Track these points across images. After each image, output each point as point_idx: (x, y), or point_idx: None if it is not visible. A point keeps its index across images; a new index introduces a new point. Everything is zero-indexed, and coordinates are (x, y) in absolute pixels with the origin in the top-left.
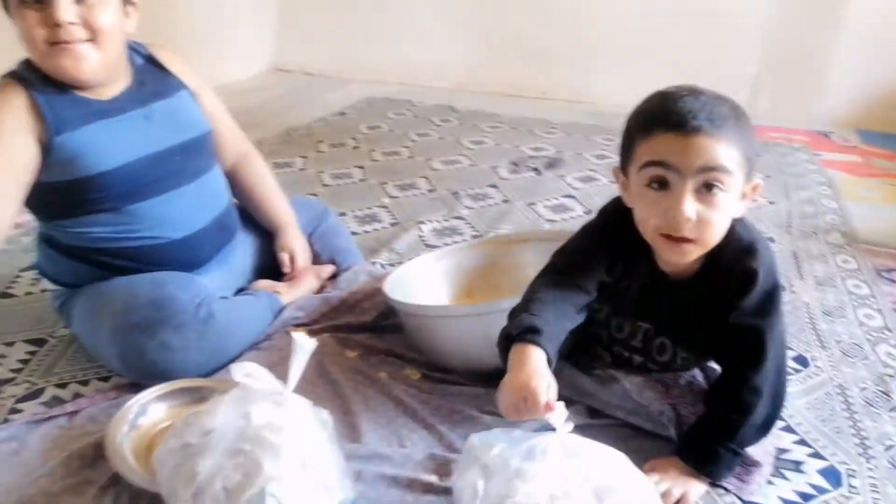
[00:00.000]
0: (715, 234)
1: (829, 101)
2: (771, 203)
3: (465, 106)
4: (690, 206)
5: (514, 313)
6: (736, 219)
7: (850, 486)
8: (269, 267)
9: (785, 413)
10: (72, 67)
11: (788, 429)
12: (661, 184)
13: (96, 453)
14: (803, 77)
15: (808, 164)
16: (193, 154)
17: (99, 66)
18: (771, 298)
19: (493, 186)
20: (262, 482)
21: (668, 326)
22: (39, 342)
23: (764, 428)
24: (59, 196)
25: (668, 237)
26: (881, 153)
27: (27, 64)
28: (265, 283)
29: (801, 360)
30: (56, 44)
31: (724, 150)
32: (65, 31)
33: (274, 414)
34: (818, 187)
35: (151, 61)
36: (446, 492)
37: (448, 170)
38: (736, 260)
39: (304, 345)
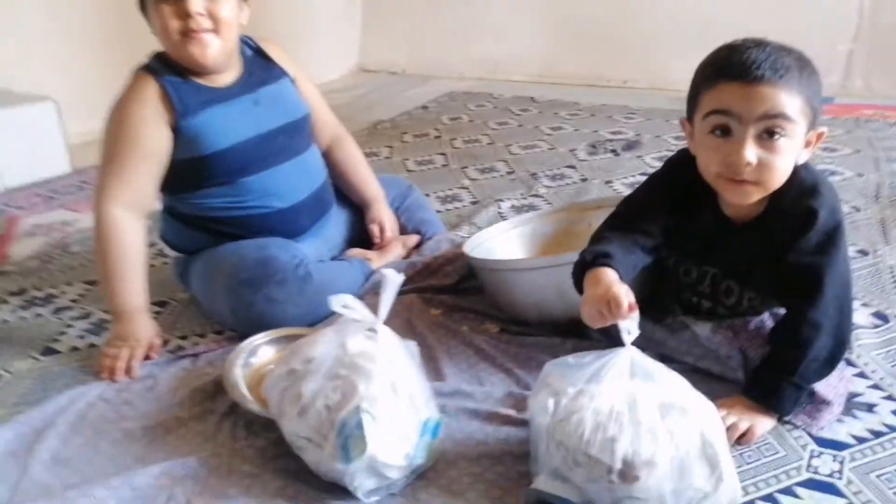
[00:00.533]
0: (776, 178)
1: None
2: (859, 175)
3: (544, 96)
4: (751, 152)
5: (583, 253)
6: (800, 164)
7: None
8: (360, 239)
9: (860, 361)
10: (199, 54)
11: (862, 375)
12: (724, 130)
13: (216, 389)
14: None
15: None
16: (294, 134)
17: (220, 53)
18: (831, 237)
19: (571, 167)
20: (358, 401)
21: (734, 269)
22: (163, 304)
23: (829, 364)
24: (182, 171)
25: (729, 180)
26: None
27: (156, 57)
28: (357, 251)
29: (882, 316)
30: (187, 35)
31: (785, 98)
32: (194, 20)
33: (367, 344)
34: None
35: (259, 52)
36: (524, 423)
37: (527, 154)
38: (797, 201)
39: (393, 279)
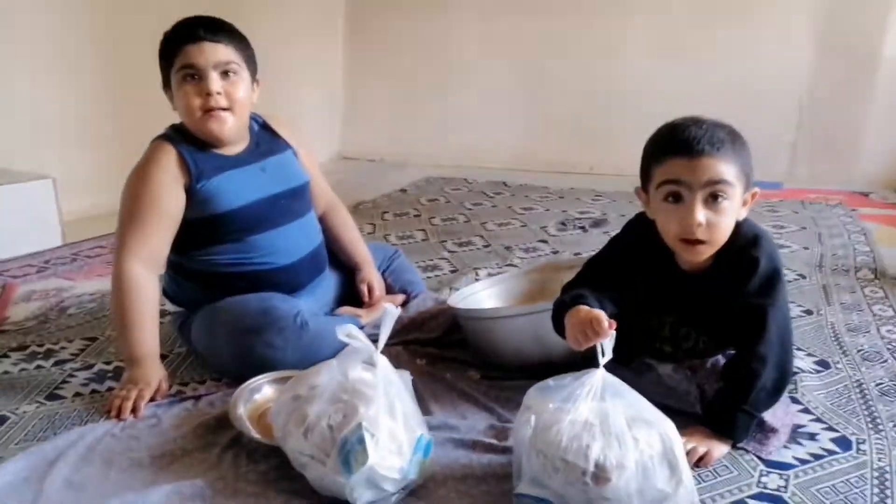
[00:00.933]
0: (722, 235)
1: (864, 164)
2: (805, 248)
3: (515, 181)
4: (701, 214)
5: (560, 298)
6: (740, 220)
7: (859, 449)
8: (349, 300)
9: (804, 399)
10: (217, 129)
11: (806, 410)
12: (676, 198)
13: (217, 424)
14: (838, 142)
15: (844, 217)
16: (295, 199)
17: (234, 128)
18: (771, 281)
19: (543, 241)
20: (359, 420)
21: (690, 316)
22: (163, 357)
23: (775, 393)
24: (196, 230)
25: (685, 241)
26: None
27: (173, 128)
28: (348, 309)
29: (823, 363)
30: (207, 112)
31: (724, 167)
32: (213, 99)
33: (365, 373)
34: (853, 235)
35: (265, 127)
36: (505, 450)
37: (501, 230)
38: (741, 251)
39: (392, 311)
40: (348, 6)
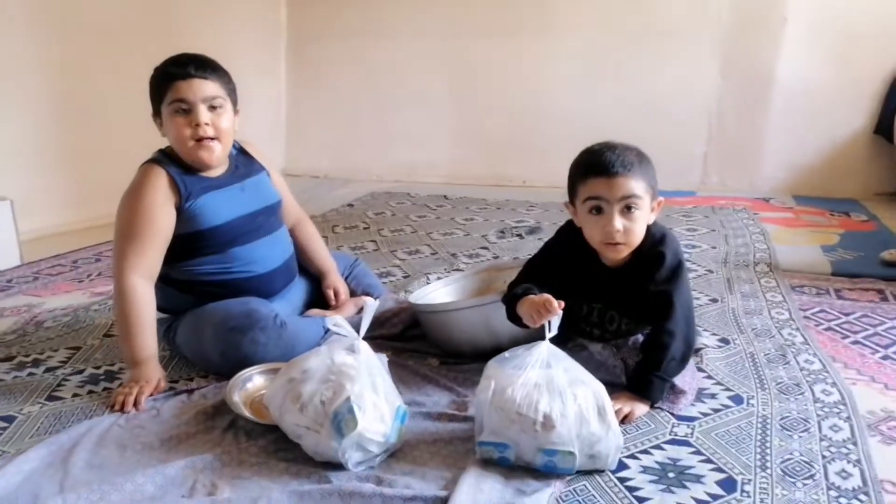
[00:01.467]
0: (636, 238)
1: (767, 172)
2: (713, 248)
3: (455, 194)
4: (619, 222)
5: (510, 293)
6: (650, 223)
7: (749, 403)
8: (316, 303)
9: (708, 368)
10: (206, 157)
11: (709, 377)
12: (598, 210)
13: (214, 411)
14: (744, 154)
15: (747, 220)
16: (270, 215)
17: (220, 155)
18: (675, 271)
19: (485, 248)
20: (347, 394)
21: (614, 303)
22: None
23: (682, 361)
24: (183, 243)
25: (608, 244)
26: (811, 211)
27: (162, 153)
28: (317, 311)
29: (724, 340)
30: (198, 141)
31: (634, 184)
32: (202, 129)
33: (349, 358)
34: (754, 235)
35: (242, 151)
36: (465, 419)
37: (446, 239)
38: (651, 248)
39: (371, 304)
40: (289, 27)
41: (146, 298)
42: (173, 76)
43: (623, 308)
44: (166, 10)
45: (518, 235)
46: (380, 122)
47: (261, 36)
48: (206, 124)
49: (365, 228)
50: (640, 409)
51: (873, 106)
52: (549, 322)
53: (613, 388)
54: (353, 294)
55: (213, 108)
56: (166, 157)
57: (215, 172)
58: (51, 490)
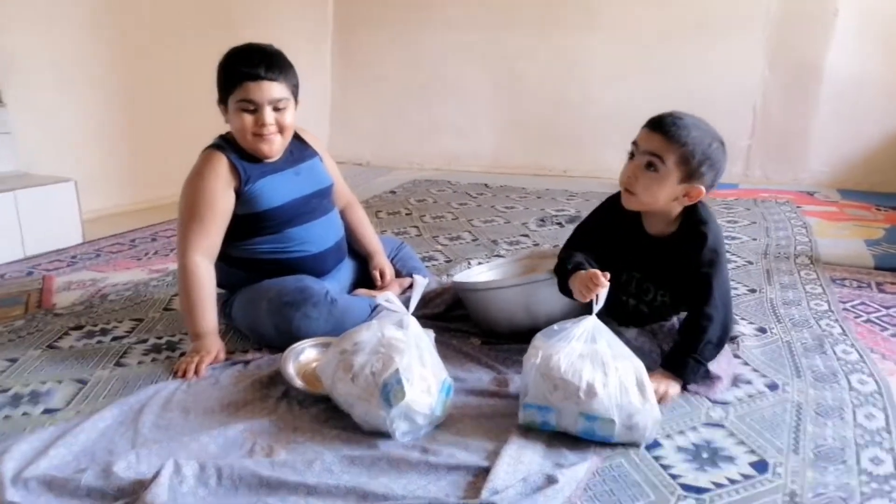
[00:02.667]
0: (645, 192)
1: (811, 166)
2: (754, 240)
3: (495, 183)
4: (632, 170)
5: (563, 264)
6: (700, 204)
7: (784, 390)
8: (363, 282)
9: (744, 355)
10: (266, 150)
11: (745, 363)
12: (631, 156)
13: (269, 381)
14: (788, 147)
15: (790, 213)
16: (323, 198)
17: (280, 147)
18: (716, 256)
19: (525, 235)
20: (395, 366)
21: (651, 272)
22: None
23: (718, 345)
24: (242, 224)
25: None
26: (856, 205)
27: (222, 138)
28: (363, 291)
29: (762, 329)
30: (258, 135)
31: (665, 147)
32: (266, 128)
33: (398, 332)
34: (795, 228)
35: (296, 137)
36: (506, 396)
37: (486, 226)
38: (695, 227)
39: (421, 281)
40: (336, 19)
41: (207, 276)
42: (244, 76)
43: (660, 280)
44: (219, 2)
45: (558, 224)
46: (423, 112)
47: (309, 25)
48: (271, 124)
49: (407, 214)
50: (674, 388)
51: None
52: (598, 296)
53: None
54: (398, 275)
55: (276, 107)
56: (227, 143)
57: (272, 158)
58: (124, 446)
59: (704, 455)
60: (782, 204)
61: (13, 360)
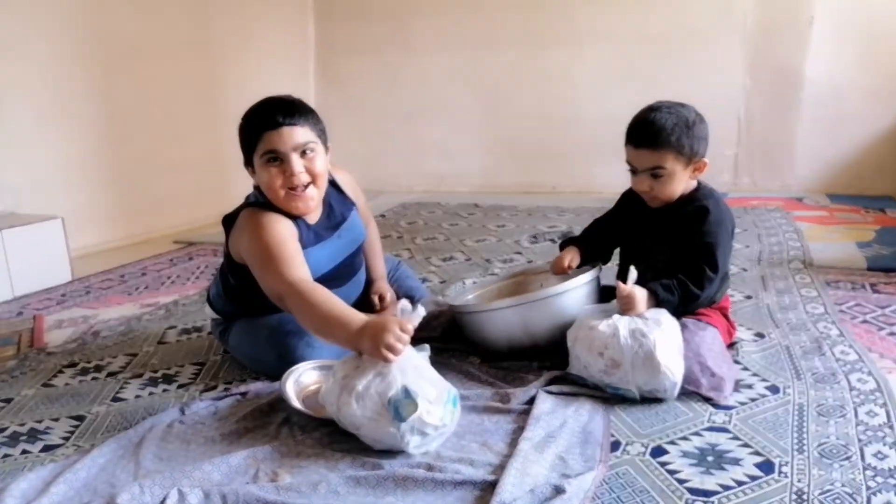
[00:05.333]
0: (666, 193)
1: (798, 172)
2: (747, 247)
3: (486, 202)
4: (644, 184)
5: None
6: (703, 183)
7: (785, 392)
8: (363, 304)
9: (744, 360)
10: (302, 207)
11: (745, 368)
12: (633, 172)
13: (269, 409)
14: (774, 155)
15: (780, 219)
16: (356, 256)
17: (317, 201)
18: (720, 226)
19: (518, 253)
20: (400, 381)
21: (658, 239)
22: (202, 363)
23: (695, 300)
24: None
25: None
26: (846, 209)
27: (259, 198)
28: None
29: (760, 335)
30: (291, 190)
31: (658, 157)
32: (296, 178)
33: None
34: (787, 234)
35: (332, 183)
36: (509, 412)
37: (479, 245)
38: (698, 200)
39: (419, 312)
40: (318, 41)
41: (319, 287)
42: (262, 127)
43: (666, 245)
44: (199, 30)
45: (551, 240)
46: (409, 134)
47: (290, 51)
48: (301, 172)
49: (398, 237)
50: (641, 294)
51: None
52: (629, 273)
53: None
54: (395, 295)
55: (304, 153)
56: (268, 203)
57: (312, 217)
58: (126, 479)
59: (710, 458)
60: (772, 210)
61: (8, 401)
